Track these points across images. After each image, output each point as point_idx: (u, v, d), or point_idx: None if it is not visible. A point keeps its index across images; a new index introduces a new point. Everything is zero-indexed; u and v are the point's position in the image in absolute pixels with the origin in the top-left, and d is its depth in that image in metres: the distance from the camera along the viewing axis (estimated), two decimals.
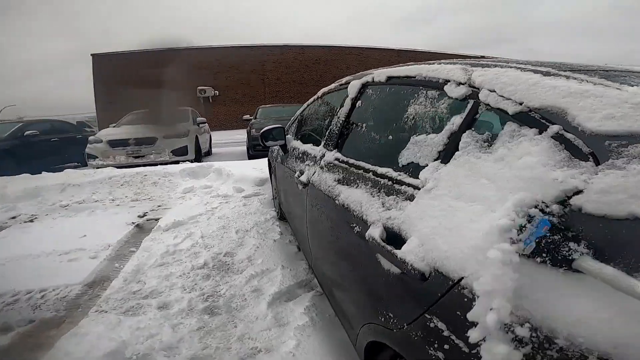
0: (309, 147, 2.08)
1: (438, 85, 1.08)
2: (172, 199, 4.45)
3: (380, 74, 1.45)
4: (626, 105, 0.66)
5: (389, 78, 1.39)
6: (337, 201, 1.35)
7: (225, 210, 3.77)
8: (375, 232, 1.00)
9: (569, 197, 0.62)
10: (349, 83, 1.74)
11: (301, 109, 2.78)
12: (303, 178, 1.86)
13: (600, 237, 0.58)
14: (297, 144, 2.40)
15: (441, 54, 23.35)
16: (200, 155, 8.30)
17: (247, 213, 3.63)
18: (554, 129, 0.72)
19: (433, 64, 1.17)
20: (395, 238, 0.96)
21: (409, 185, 1.03)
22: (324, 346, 1.67)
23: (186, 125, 7.77)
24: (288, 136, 2.75)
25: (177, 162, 6.64)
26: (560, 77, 0.82)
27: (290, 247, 2.81)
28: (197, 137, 8.11)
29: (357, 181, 1.30)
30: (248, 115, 10.35)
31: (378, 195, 1.13)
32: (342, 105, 1.71)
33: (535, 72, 0.87)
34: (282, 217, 3.27)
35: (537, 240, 0.63)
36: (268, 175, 4.27)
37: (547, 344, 0.57)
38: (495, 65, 0.97)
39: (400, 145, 1.16)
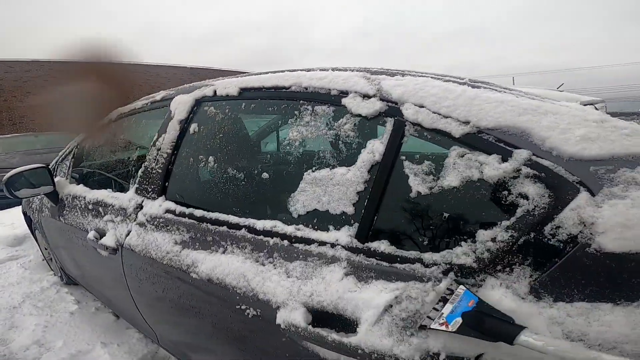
0: (105, 195, 1.37)
1: (330, 99, 0.78)
2: None
3: (226, 85, 1.02)
4: (593, 124, 0.56)
5: (243, 90, 0.99)
6: (194, 274, 0.86)
7: None
8: (296, 317, 0.64)
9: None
10: (168, 99, 1.21)
11: (77, 139, 1.90)
12: (108, 241, 1.18)
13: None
14: (81, 190, 1.58)
15: (233, 71, 23.20)
16: None
17: (6, 285, 2.39)
18: (522, 154, 0.56)
19: (310, 70, 0.87)
20: (329, 320, 0.63)
21: (324, 243, 0.68)
22: None
23: None
24: (59, 179, 1.82)
25: None
26: (488, 89, 0.68)
27: (103, 315, 1.97)
28: None
29: (222, 243, 0.84)
30: None
31: (272, 263, 0.73)
32: (162, 132, 1.16)
33: (455, 82, 0.70)
34: (70, 281, 2.24)
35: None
36: (28, 231, 2.89)
37: None
38: (401, 74, 0.76)
39: (281, 185, 0.81)
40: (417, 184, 0.63)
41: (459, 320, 0.49)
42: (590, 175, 0.51)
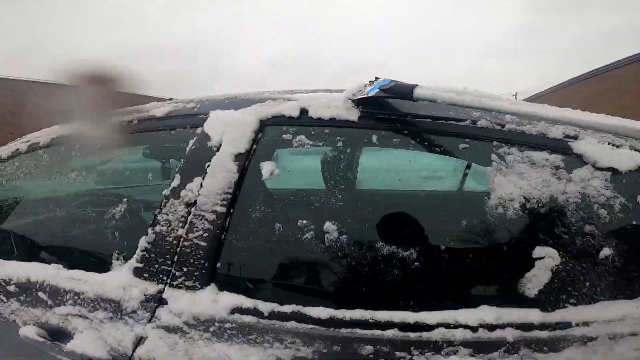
0: (50, 274, 0.77)
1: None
2: None
3: (329, 102, 0.61)
4: None
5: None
6: None
7: None
8: None
9: None
10: (190, 116, 0.70)
11: None
12: (88, 349, 0.66)
13: None
14: None
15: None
16: None
17: None
18: None
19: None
20: None
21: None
22: None
23: None
24: None
25: None
26: None
27: None
28: None
29: None
30: None
31: None
32: (196, 174, 0.66)
33: None
34: None
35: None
36: None
37: None
38: None
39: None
40: None
41: (378, 91, 0.62)
42: None
